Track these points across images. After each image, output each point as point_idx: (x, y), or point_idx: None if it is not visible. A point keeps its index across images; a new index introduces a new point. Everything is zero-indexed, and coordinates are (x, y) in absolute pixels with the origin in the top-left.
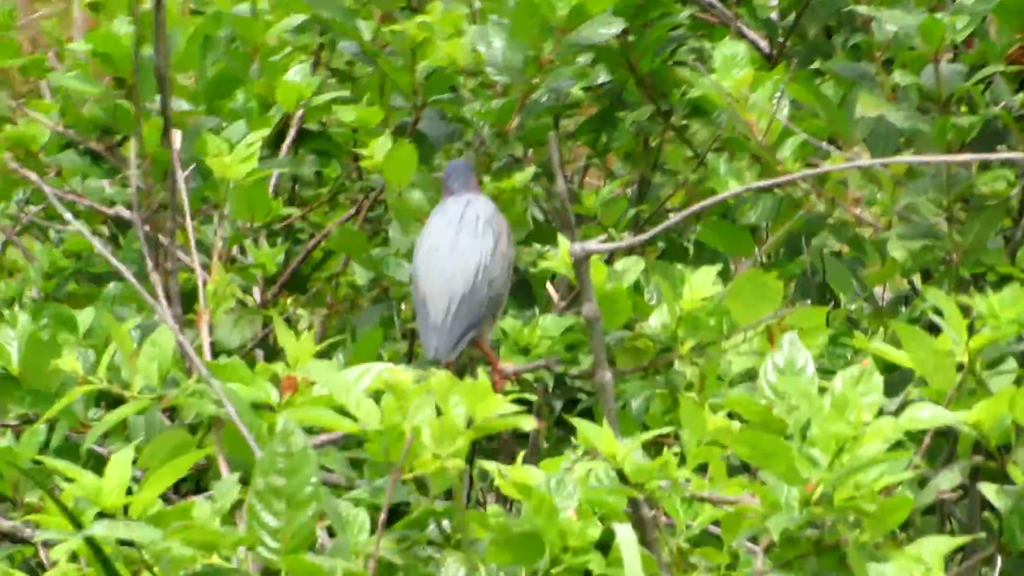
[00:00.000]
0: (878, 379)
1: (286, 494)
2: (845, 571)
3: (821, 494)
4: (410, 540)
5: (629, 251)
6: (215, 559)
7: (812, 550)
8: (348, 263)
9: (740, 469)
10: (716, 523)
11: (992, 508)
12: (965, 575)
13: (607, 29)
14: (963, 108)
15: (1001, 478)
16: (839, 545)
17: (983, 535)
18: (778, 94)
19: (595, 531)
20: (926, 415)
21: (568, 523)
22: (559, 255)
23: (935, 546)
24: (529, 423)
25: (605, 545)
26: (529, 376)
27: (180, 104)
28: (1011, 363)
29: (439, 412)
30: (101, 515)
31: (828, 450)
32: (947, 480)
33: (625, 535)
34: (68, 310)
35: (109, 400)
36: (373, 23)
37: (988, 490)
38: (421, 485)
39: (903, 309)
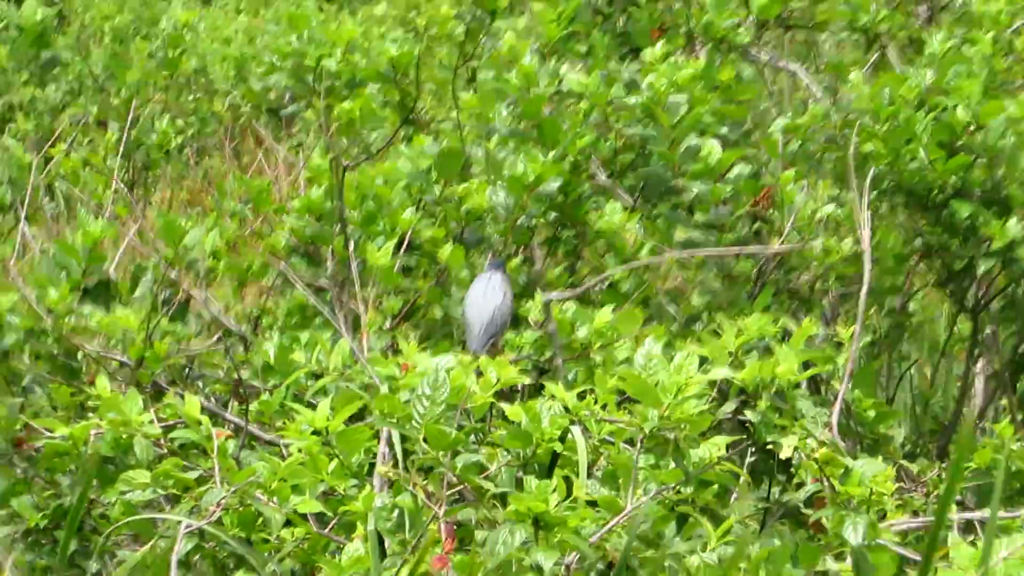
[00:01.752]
0: (695, 358)
1: (430, 398)
2: (679, 453)
3: (668, 413)
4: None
5: (569, 299)
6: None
7: (663, 443)
8: (430, 307)
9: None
10: (611, 434)
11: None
12: (734, 455)
13: (552, 186)
14: (728, 230)
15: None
16: (676, 440)
17: (743, 437)
18: (637, 226)
19: (558, 432)
20: (721, 373)
21: (545, 428)
22: (533, 302)
23: (721, 439)
24: (526, 379)
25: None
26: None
27: (350, 228)
28: (755, 354)
29: (480, 375)
30: (314, 432)
31: (672, 389)
32: (728, 407)
33: (576, 431)
34: (296, 332)
35: (317, 375)
36: (441, 185)
37: (748, 414)
38: (469, 416)
39: (697, 326)
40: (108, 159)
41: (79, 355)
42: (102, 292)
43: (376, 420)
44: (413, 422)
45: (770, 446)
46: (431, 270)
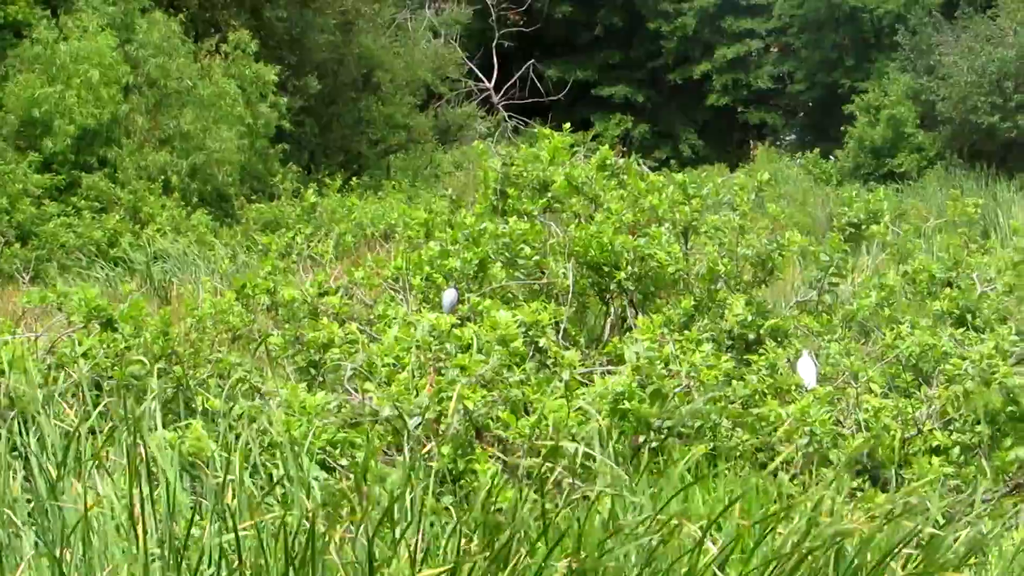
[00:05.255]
0: (512, 315)
1: (430, 322)
2: (507, 343)
3: (506, 331)
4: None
5: (479, 296)
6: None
7: (504, 342)
8: (433, 299)
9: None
10: (490, 339)
11: None
12: (527, 344)
13: (476, 261)
14: (532, 275)
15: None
16: (507, 340)
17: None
18: (504, 274)
19: (471, 337)
20: (520, 317)
21: (466, 336)
22: (467, 296)
23: (520, 340)
24: (456, 321)
25: None
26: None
27: (409, 273)
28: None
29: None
30: (395, 337)
31: (508, 324)
32: (522, 328)
33: (475, 337)
34: (388, 304)
35: (394, 318)
36: (441, 260)
37: (530, 332)
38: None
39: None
40: (329, 252)
41: (318, 310)
42: (327, 292)
43: (416, 328)
44: (419, 335)
45: (537, 343)
46: (435, 286)
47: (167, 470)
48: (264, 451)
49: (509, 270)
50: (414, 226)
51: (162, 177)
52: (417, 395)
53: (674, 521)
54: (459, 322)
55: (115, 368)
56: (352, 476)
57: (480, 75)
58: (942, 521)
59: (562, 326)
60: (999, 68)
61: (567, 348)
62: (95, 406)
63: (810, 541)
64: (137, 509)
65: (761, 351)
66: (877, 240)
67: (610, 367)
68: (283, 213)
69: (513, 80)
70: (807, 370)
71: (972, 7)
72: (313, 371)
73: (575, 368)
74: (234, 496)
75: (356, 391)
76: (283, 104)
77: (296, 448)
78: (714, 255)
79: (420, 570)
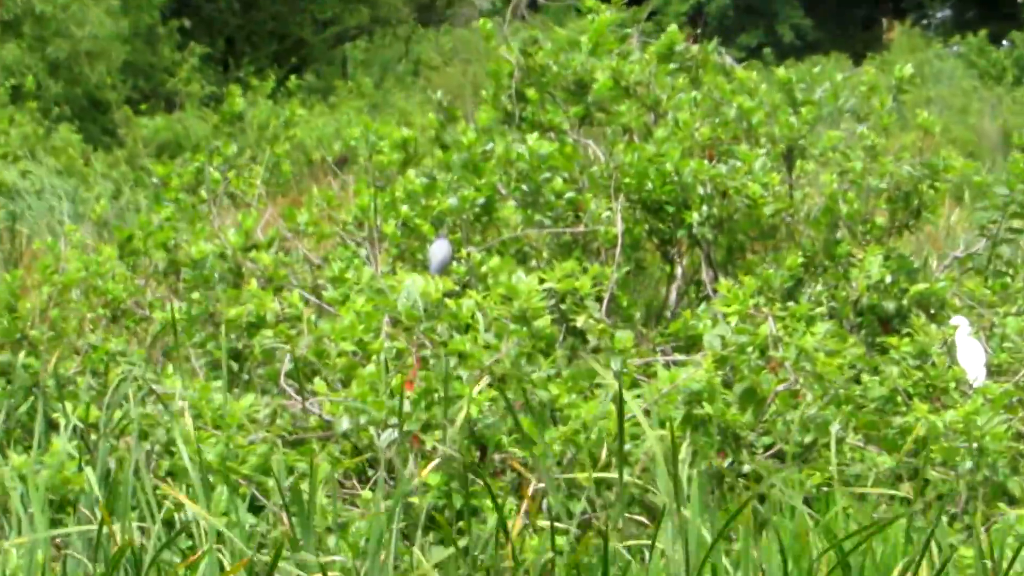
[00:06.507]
0: (537, 279)
1: (408, 296)
2: (528, 323)
3: (524, 303)
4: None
5: (481, 251)
6: None
7: (522, 319)
8: (415, 254)
9: None
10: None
11: None
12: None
13: (481, 200)
14: (561, 220)
15: None
16: (527, 317)
17: (559, 317)
18: (518, 216)
19: (470, 314)
20: (549, 285)
21: (464, 312)
22: (463, 253)
23: (548, 317)
24: (455, 288)
25: None
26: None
27: (377, 217)
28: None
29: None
30: (355, 311)
31: (527, 292)
32: (550, 302)
33: (479, 313)
34: (346, 261)
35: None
36: (425, 198)
37: (562, 306)
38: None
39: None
40: (257, 186)
41: (242, 269)
42: (254, 245)
43: (381, 307)
44: (399, 306)
45: (572, 321)
46: (417, 236)
47: (19, 512)
48: (162, 482)
49: (528, 212)
50: (384, 147)
51: (10, 80)
52: (392, 397)
53: None
54: (455, 289)
55: None
56: (291, 518)
57: None
58: None
59: (607, 295)
60: None
61: (615, 327)
62: None
63: None
64: None
65: (905, 331)
66: None
67: (679, 355)
68: (188, 129)
69: None
70: (973, 358)
71: None
72: (234, 364)
73: (628, 356)
74: (119, 552)
75: (299, 393)
76: None
77: (210, 478)
78: (832, 188)
79: None
